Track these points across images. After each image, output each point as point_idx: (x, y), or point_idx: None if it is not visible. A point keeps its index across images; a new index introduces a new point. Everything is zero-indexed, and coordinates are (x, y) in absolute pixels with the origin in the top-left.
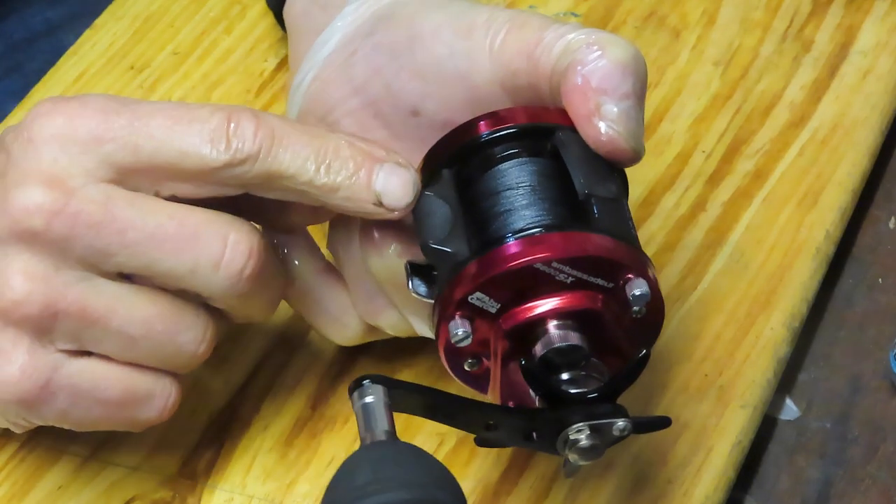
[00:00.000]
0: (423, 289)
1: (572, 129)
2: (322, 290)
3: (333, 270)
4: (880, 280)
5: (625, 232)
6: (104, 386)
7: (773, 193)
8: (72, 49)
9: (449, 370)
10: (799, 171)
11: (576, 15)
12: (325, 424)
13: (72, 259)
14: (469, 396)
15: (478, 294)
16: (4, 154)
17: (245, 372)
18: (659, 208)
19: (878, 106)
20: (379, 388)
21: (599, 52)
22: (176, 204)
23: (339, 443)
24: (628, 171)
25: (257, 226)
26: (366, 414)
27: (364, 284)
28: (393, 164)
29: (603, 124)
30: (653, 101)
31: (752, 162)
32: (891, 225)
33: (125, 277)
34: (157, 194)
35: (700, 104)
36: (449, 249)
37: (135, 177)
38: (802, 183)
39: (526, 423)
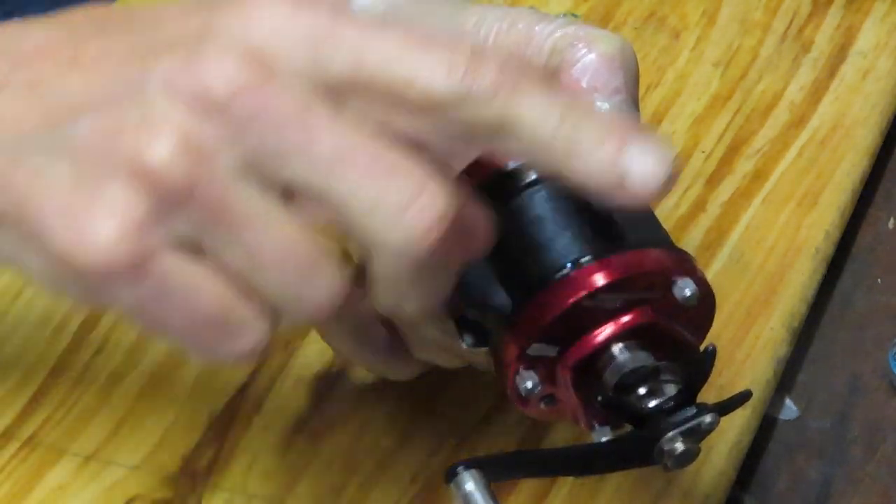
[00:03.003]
0: (473, 340)
1: None
2: (372, 342)
3: (381, 319)
4: (880, 280)
5: (653, 234)
6: (199, 296)
7: (773, 194)
8: None
9: (526, 414)
10: (799, 171)
11: (576, 16)
12: (325, 424)
13: (239, 149)
14: None
15: (534, 346)
16: (207, 13)
17: (245, 372)
18: (659, 208)
19: (878, 106)
20: (475, 472)
21: (586, 50)
22: (379, 134)
23: (339, 443)
24: None
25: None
26: (469, 502)
27: (413, 332)
28: (649, 142)
29: None
30: (653, 101)
31: (752, 162)
32: (890, 225)
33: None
34: (364, 119)
35: (700, 105)
36: (493, 305)
37: (347, 92)
38: (802, 183)
39: (619, 449)
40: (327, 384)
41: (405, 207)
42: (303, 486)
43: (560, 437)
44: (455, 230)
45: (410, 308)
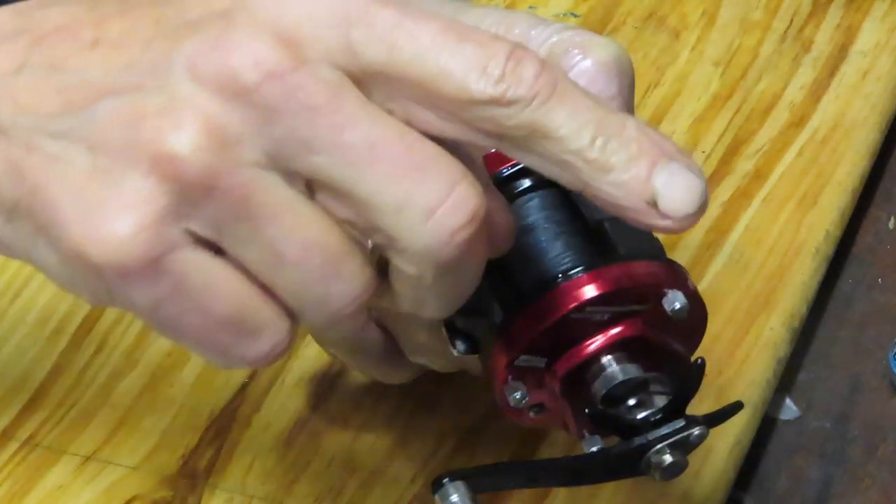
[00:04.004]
0: (465, 346)
1: None
2: (367, 346)
3: (374, 324)
4: (880, 280)
5: (645, 245)
6: (217, 295)
7: (773, 193)
8: None
9: (516, 423)
10: (799, 171)
11: (576, 15)
12: (325, 424)
13: (265, 139)
14: None
15: (522, 357)
16: None
17: (245, 372)
18: None
19: (878, 106)
20: (460, 484)
21: (582, 56)
22: (410, 127)
23: (339, 443)
24: None
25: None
26: None
27: (407, 337)
28: (682, 165)
29: None
30: (653, 101)
31: (752, 162)
32: (890, 225)
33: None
34: (389, 112)
35: (700, 104)
36: (483, 313)
37: (374, 83)
38: (802, 183)
39: (607, 460)
40: (327, 384)
41: (434, 208)
42: (302, 486)
43: (560, 437)
44: (482, 230)
45: (430, 312)
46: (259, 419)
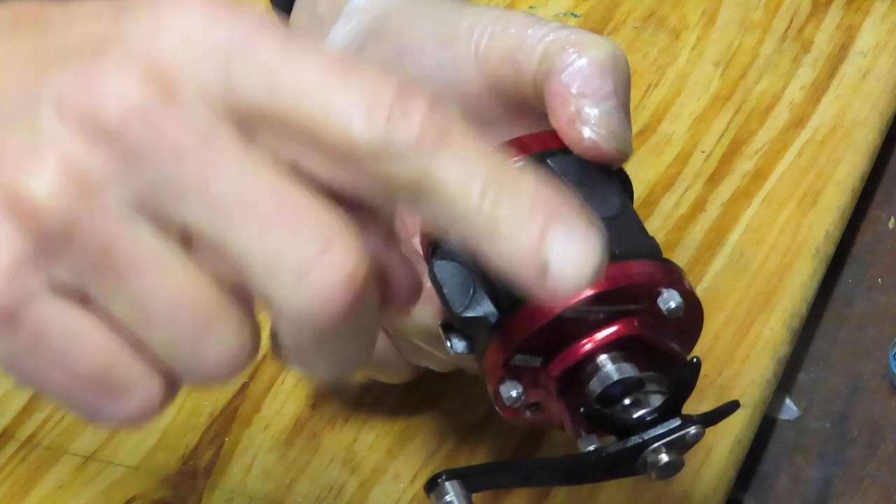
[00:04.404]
0: (462, 346)
1: (560, 150)
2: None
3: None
4: (880, 280)
5: (639, 246)
6: (79, 349)
7: (773, 193)
8: None
9: (512, 422)
10: (799, 171)
11: (576, 16)
12: (325, 424)
13: (130, 183)
14: None
15: (517, 356)
16: (116, 13)
17: (245, 372)
18: (658, 208)
19: (878, 106)
20: (455, 483)
21: (577, 55)
22: (287, 177)
23: (339, 443)
24: (629, 171)
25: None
26: None
27: (404, 338)
28: (577, 224)
29: (585, 129)
30: (653, 101)
31: (752, 162)
32: (890, 225)
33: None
34: (275, 157)
35: (700, 104)
36: (477, 314)
37: (258, 125)
38: (802, 183)
39: (602, 460)
40: (327, 384)
41: (306, 269)
42: (303, 486)
43: (561, 437)
44: (370, 290)
45: (322, 373)
46: (259, 419)
